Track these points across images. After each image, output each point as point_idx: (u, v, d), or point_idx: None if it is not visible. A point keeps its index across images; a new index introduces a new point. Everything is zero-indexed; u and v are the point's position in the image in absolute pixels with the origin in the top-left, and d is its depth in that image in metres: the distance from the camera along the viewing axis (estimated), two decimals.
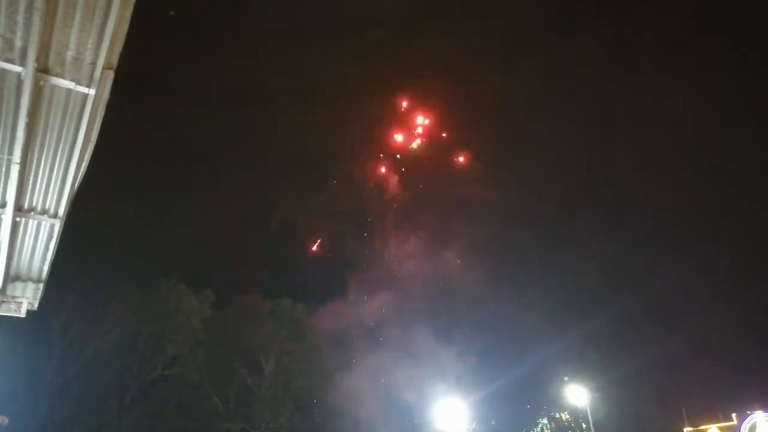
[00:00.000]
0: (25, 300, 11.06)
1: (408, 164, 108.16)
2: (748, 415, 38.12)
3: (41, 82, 6.41)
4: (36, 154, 7.39)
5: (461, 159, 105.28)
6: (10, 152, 7.15)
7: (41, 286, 10.77)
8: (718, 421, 41.12)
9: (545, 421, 67.94)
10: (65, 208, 8.56)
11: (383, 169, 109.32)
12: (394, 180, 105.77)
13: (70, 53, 6.23)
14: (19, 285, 10.64)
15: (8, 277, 10.18)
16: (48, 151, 7.39)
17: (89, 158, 7.64)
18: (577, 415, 61.89)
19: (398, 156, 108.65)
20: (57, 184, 8.01)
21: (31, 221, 8.78)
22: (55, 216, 8.70)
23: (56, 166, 7.66)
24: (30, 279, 10.52)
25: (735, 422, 38.98)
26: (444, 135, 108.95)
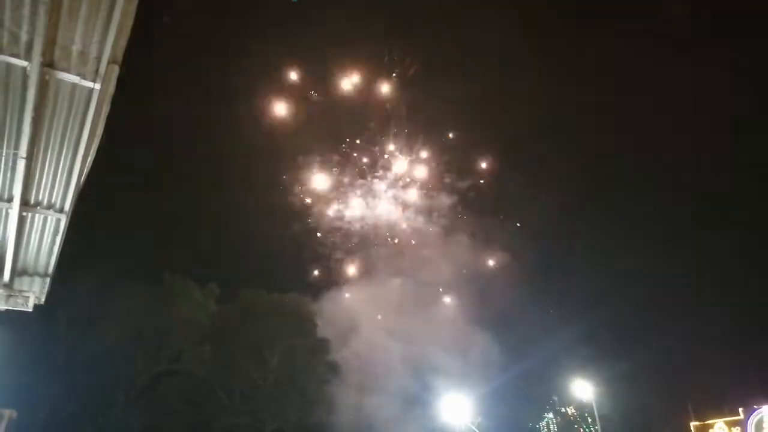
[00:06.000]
0: (32, 294, 11.11)
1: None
2: (755, 410, 37.99)
3: (47, 77, 6.40)
4: (42, 149, 7.40)
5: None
6: (17, 147, 7.15)
7: (48, 280, 10.82)
8: (725, 416, 40.92)
9: (551, 415, 67.97)
10: (71, 202, 8.57)
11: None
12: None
13: (75, 47, 6.22)
14: (26, 279, 10.70)
15: (15, 272, 10.23)
16: (54, 146, 7.40)
17: (95, 153, 7.64)
18: (582, 409, 61.95)
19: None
20: (63, 178, 8.02)
21: (37, 216, 8.82)
22: (61, 210, 8.73)
23: (62, 161, 7.67)
24: (36, 273, 10.57)
25: (742, 416, 38.82)
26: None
